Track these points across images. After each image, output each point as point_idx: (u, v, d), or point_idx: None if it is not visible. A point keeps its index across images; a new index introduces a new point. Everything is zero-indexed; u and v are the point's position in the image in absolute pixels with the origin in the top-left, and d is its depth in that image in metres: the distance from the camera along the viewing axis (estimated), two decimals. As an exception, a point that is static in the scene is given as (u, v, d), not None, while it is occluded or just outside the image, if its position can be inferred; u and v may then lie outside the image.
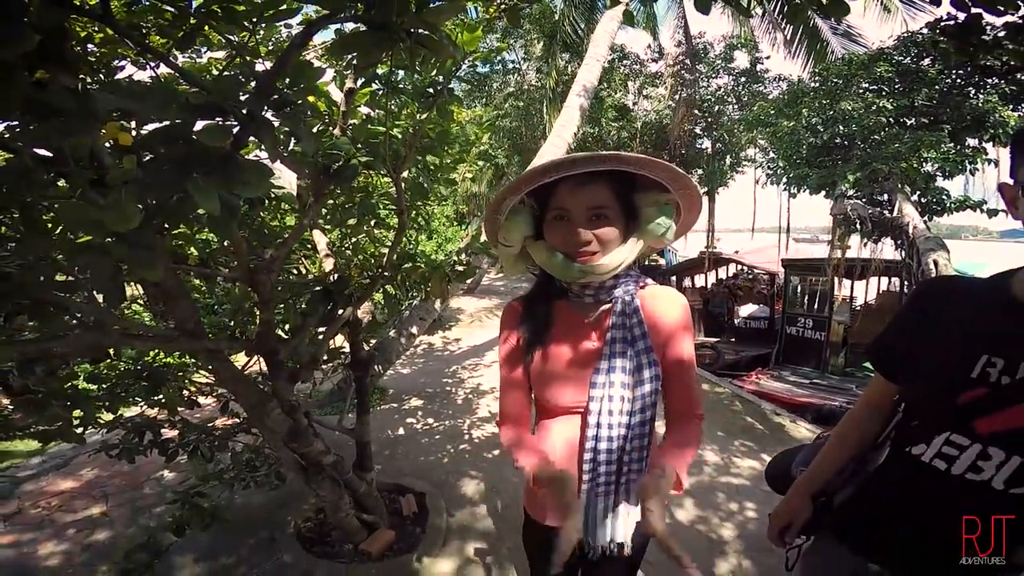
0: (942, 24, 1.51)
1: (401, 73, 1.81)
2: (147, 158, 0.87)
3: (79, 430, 1.87)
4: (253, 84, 0.91)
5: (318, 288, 1.60)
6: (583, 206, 0.98)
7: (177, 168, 0.81)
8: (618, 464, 1.06)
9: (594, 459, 1.05)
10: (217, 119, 0.85)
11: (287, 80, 0.95)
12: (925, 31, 5.46)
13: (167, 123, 0.84)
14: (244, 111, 0.87)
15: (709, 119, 11.67)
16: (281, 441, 1.67)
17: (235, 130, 0.90)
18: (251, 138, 0.92)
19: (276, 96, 0.93)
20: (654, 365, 1.05)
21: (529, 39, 10.67)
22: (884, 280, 8.94)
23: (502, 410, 1.17)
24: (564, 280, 1.07)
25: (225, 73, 0.88)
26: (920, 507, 0.90)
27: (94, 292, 1.06)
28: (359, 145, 1.23)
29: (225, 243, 1.90)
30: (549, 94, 9.81)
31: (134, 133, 0.91)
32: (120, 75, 1.71)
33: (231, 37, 1.48)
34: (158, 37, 1.60)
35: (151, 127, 0.91)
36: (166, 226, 1.70)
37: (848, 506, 1.03)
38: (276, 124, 0.95)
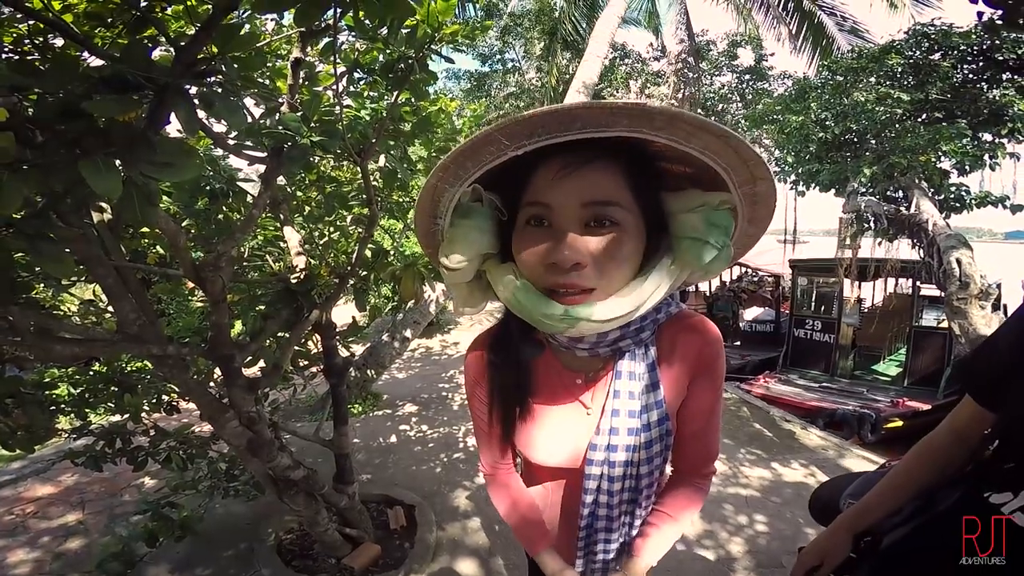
0: None
1: (382, 58, 1.69)
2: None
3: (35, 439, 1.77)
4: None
5: (281, 287, 1.47)
6: (574, 201, 0.60)
7: (70, 147, 0.68)
8: (621, 538, 0.85)
9: (589, 536, 0.84)
10: (124, 92, 0.72)
11: (217, 48, 0.82)
12: (936, 23, 5.31)
13: (62, 97, 0.71)
14: (160, 82, 0.74)
15: (712, 118, 11.48)
16: (244, 454, 1.54)
17: (153, 104, 0.78)
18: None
19: (202, 66, 0.80)
20: (667, 436, 0.78)
21: (529, 38, 10.55)
22: (892, 282, 8.77)
23: (483, 454, 0.93)
24: (540, 328, 0.67)
25: (135, 40, 0.75)
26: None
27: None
28: (313, 123, 1.09)
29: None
30: (550, 93, 9.69)
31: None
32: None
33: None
34: (120, 26, 1.49)
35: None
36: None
37: (898, 551, 0.84)
38: (212, 98, 0.82)
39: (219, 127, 1.33)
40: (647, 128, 0.55)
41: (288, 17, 1.71)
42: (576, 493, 0.82)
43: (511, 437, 0.83)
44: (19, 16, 1.42)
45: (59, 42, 1.57)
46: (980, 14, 1.35)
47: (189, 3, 1.10)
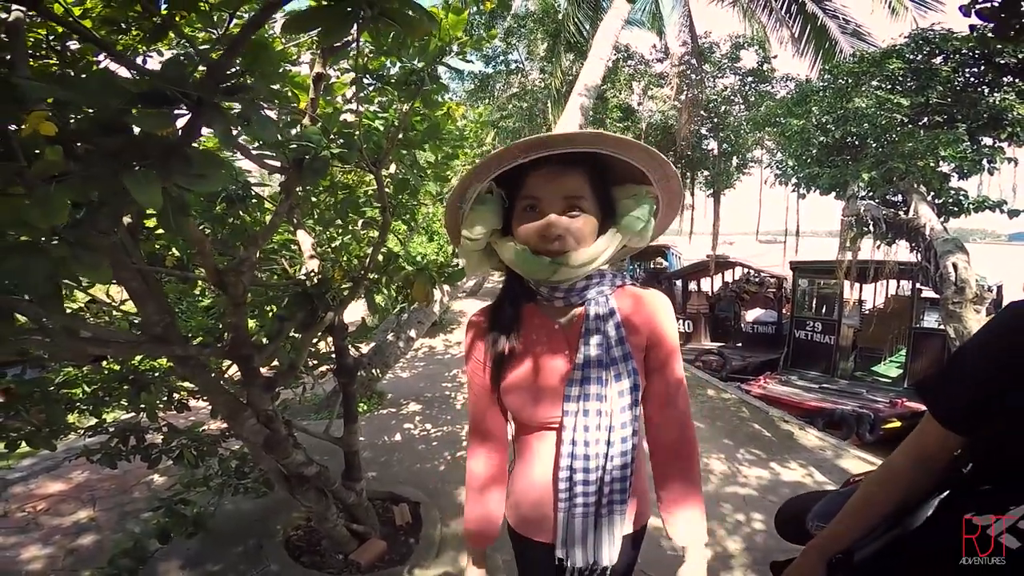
0: (978, 7, 1.36)
1: (389, 63, 1.73)
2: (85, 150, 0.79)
3: (51, 436, 1.82)
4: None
5: (297, 291, 1.52)
6: (558, 195, 0.88)
7: (112, 160, 0.73)
8: (598, 485, 0.95)
9: (570, 478, 0.95)
10: (162, 107, 0.77)
11: (244, 63, 0.87)
12: (937, 28, 5.34)
13: (103, 112, 0.76)
14: (194, 97, 0.79)
15: (715, 119, 11.53)
16: (259, 451, 1.59)
17: (186, 118, 0.83)
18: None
19: (231, 80, 0.85)
20: (633, 374, 0.94)
21: (532, 39, 10.58)
22: (894, 284, 8.81)
23: (472, 427, 1.08)
24: (533, 279, 0.96)
25: (172, 57, 0.80)
26: None
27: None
28: (332, 135, 1.14)
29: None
30: (554, 94, 9.73)
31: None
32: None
33: (214, 31, 1.40)
34: (136, 31, 1.53)
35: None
36: (146, 226, 1.63)
37: (871, 565, 0.84)
38: (235, 110, 0.87)
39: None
40: (605, 146, 0.86)
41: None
42: (556, 455, 0.97)
43: (499, 383, 0.99)
44: (38, 19, 1.47)
45: (73, 45, 1.62)
46: (973, 27, 1.40)
47: (207, 5, 1.14)
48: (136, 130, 0.78)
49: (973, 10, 1.28)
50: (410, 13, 0.73)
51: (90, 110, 0.81)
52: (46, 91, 0.77)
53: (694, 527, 0.99)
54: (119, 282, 1.20)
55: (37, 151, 0.80)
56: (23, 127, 0.74)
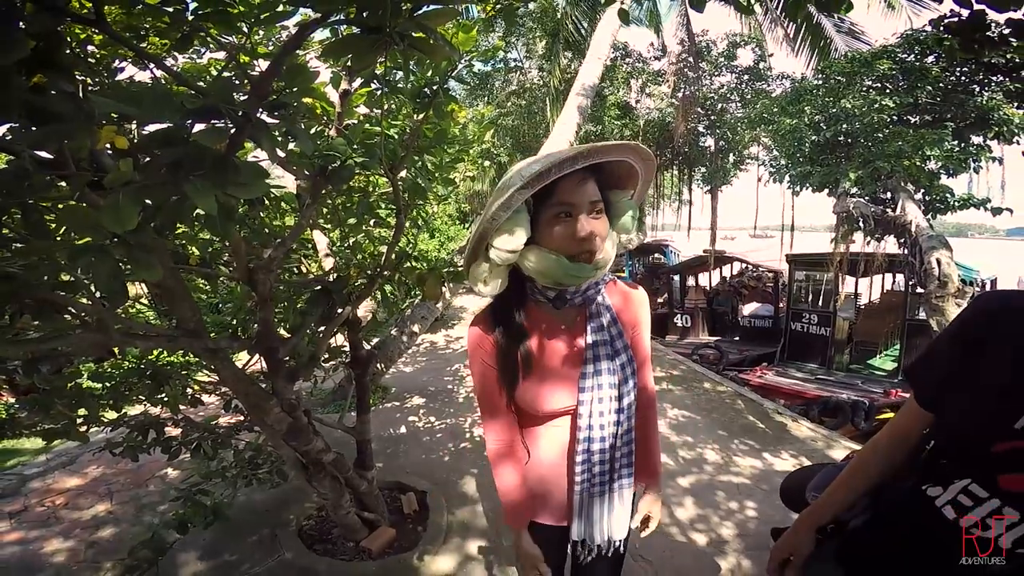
0: (946, 21, 1.46)
1: (399, 74, 1.83)
2: (145, 161, 0.89)
3: (83, 428, 1.92)
4: (249, 86, 0.93)
5: (317, 287, 1.62)
6: (586, 200, 0.94)
7: (174, 170, 0.83)
8: (610, 463, 1.06)
9: (587, 460, 1.05)
10: (213, 121, 0.87)
11: (282, 82, 0.96)
12: (929, 28, 5.43)
13: (164, 126, 0.85)
14: (240, 113, 0.88)
15: (712, 117, 11.61)
16: (281, 439, 1.69)
17: (231, 132, 0.92)
18: (247, 141, 0.94)
19: (271, 98, 0.94)
20: (632, 362, 1.07)
21: (531, 37, 10.64)
22: (889, 277, 8.93)
23: (489, 425, 1.12)
24: (565, 283, 0.98)
25: (221, 76, 0.89)
26: (922, 553, 0.81)
27: (95, 292, 1.08)
28: (355, 146, 1.24)
29: (225, 243, 1.92)
30: (552, 92, 9.80)
31: (133, 137, 0.91)
32: (120, 76, 1.74)
33: (230, 38, 1.49)
34: (157, 39, 1.61)
35: (151, 129, 0.94)
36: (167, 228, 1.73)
37: (857, 534, 0.93)
38: (273, 126, 0.96)
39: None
40: (638, 156, 0.98)
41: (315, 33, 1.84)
42: (572, 435, 1.06)
43: (516, 386, 1.05)
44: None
45: (91, 48, 1.70)
46: (941, 40, 1.51)
47: (235, 11, 1.23)
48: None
49: (941, 25, 1.38)
50: (434, 43, 0.82)
51: (149, 124, 0.91)
52: (112, 107, 0.86)
53: (653, 467, 1.21)
54: (159, 281, 1.29)
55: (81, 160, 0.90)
56: (95, 140, 0.84)
